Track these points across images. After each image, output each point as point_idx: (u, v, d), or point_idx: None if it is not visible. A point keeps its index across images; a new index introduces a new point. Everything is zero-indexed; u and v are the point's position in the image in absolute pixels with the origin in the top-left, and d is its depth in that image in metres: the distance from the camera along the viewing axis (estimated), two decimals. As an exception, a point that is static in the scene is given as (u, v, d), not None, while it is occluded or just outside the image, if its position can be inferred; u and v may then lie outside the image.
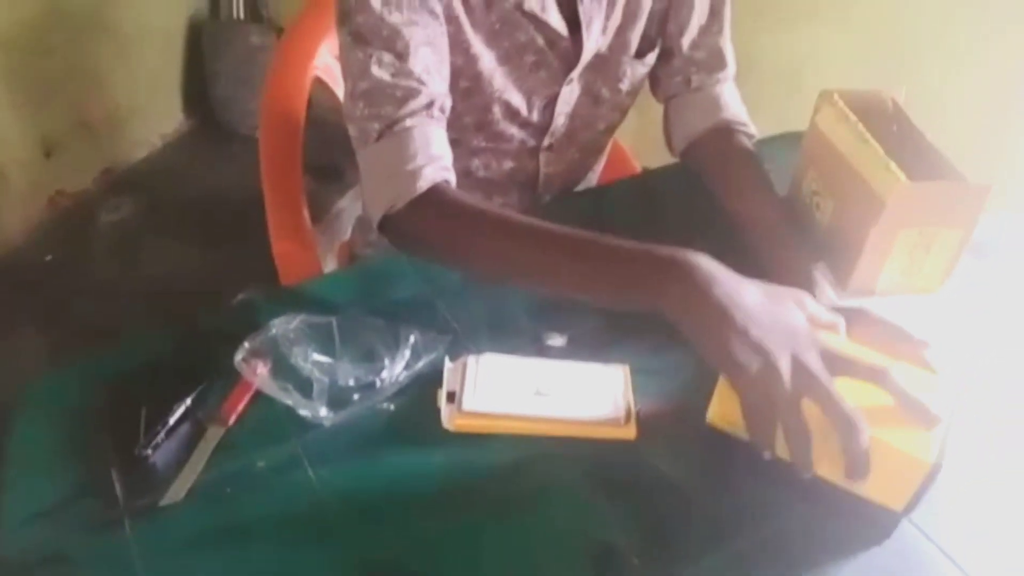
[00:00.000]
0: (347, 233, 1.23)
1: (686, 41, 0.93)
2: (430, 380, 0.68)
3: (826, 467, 0.58)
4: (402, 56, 0.74)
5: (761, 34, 1.69)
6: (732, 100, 0.96)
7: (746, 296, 0.58)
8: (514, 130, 0.91)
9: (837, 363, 0.58)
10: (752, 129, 0.96)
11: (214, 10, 2.35)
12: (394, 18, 0.74)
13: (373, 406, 0.67)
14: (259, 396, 0.67)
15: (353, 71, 0.76)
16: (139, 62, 2.23)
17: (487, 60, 0.84)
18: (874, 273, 0.80)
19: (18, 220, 2.04)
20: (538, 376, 0.68)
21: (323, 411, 0.65)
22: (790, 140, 0.96)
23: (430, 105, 0.76)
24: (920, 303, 0.80)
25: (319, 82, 1.14)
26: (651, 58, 0.94)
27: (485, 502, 0.61)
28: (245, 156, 1.31)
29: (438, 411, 0.65)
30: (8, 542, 0.57)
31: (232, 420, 0.65)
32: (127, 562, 0.55)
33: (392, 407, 0.67)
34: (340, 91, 0.82)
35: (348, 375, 0.68)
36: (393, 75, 0.74)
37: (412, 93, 0.74)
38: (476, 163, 0.93)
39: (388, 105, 0.74)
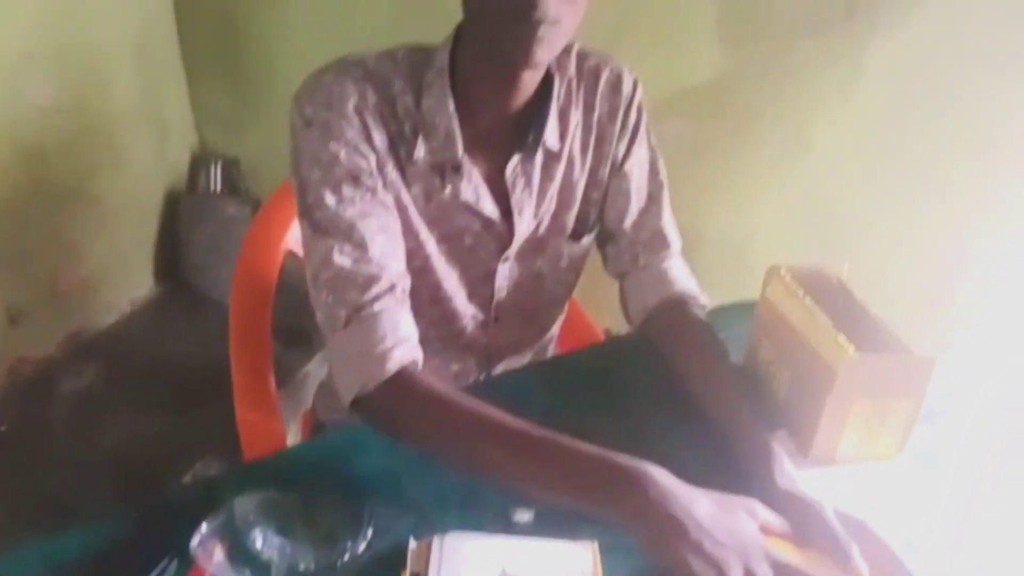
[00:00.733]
0: (311, 400, 1.22)
1: (627, 224, 1.00)
2: (393, 561, 0.66)
3: None
4: (361, 245, 0.79)
5: (707, 209, 1.76)
6: (680, 274, 1.01)
7: (699, 509, 0.62)
8: (462, 304, 0.97)
9: (787, 572, 0.62)
10: (704, 300, 1.00)
11: (192, 183, 2.44)
12: (349, 212, 0.80)
13: (333, 591, 0.64)
14: (215, 581, 0.64)
15: (315, 260, 0.80)
16: (117, 232, 2.27)
17: (432, 243, 0.90)
18: (834, 442, 0.81)
19: (-26, 390, 1.99)
20: (505, 556, 0.66)
21: (281, 597, 0.62)
22: (742, 309, 1.01)
23: (392, 288, 0.80)
24: (877, 470, 0.81)
25: (292, 254, 1.18)
26: (587, 240, 1.01)
27: None
28: (214, 321, 1.32)
29: (401, 595, 0.63)
30: None
31: (186, 608, 0.62)
32: None
33: (353, 591, 0.65)
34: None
35: (308, 558, 0.66)
36: (354, 262, 0.79)
37: (374, 279, 0.79)
38: (432, 334, 0.97)
39: (352, 291, 0.78)
